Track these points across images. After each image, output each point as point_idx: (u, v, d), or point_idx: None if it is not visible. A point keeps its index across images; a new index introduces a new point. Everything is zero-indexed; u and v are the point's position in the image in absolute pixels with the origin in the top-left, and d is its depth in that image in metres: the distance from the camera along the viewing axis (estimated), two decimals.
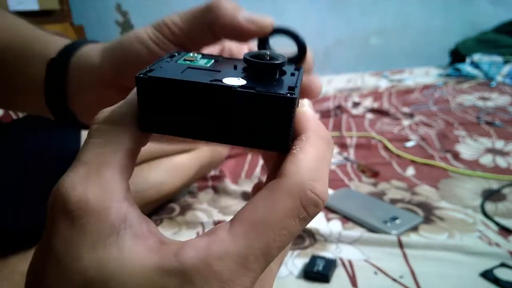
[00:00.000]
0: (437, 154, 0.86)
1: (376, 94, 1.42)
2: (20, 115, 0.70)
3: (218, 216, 0.66)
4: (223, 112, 0.18)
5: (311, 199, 0.17)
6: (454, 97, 1.30)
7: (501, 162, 0.81)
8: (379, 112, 1.21)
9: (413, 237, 0.57)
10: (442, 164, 0.81)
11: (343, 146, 0.96)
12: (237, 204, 0.70)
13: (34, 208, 0.50)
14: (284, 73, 0.22)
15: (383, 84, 1.59)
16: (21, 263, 0.49)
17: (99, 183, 0.17)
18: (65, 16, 2.08)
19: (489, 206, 0.64)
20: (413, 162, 0.83)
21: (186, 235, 0.61)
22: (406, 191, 0.71)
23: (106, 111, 0.19)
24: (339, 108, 1.27)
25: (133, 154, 0.19)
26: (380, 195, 0.70)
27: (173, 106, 0.18)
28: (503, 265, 0.49)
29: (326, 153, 0.19)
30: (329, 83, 1.71)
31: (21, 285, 0.50)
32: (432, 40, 2.17)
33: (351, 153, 0.92)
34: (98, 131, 0.18)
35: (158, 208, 0.68)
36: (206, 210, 0.68)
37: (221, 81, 0.18)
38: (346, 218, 0.63)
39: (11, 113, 0.68)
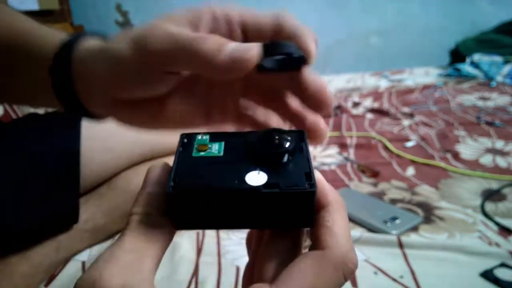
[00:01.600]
0: (437, 154, 0.86)
1: (376, 94, 1.42)
2: (20, 114, 0.70)
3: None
4: (250, 208, 0.20)
5: (351, 270, 0.20)
6: (454, 97, 1.31)
7: (501, 162, 0.81)
8: (379, 112, 1.21)
9: (413, 237, 0.57)
10: (442, 164, 0.81)
11: (343, 146, 0.96)
12: None
13: (34, 208, 0.50)
14: (293, 147, 0.23)
15: (383, 84, 1.59)
16: (21, 262, 0.49)
17: (139, 273, 0.19)
18: (65, 16, 2.08)
19: (489, 206, 0.64)
20: (413, 162, 0.84)
21: (186, 236, 0.60)
22: (406, 191, 0.71)
23: (142, 203, 0.21)
24: (339, 108, 1.27)
25: (166, 247, 0.21)
26: (380, 195, 0.70)
27: (204, 208, 0.21)
28: (503, 265, 0.49)
29: (348, 220, 0.22)
30: (329, 83, 1.71)
31: (21, 285, 0.51)
32: (432, 40, 2.17)
33: (351, 153, 0.92)
34: (138, 225, 0.20)
35: None
36: None
37: (244, 180, 0.20)
38: None
39: (11, 113, 0.68)
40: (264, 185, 0.20)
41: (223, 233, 0.60)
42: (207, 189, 0.20)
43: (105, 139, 0.58)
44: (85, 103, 0.28)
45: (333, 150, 0.95)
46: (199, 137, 0.24)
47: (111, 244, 0.20)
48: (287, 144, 0.22)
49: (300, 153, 0.23)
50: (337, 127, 1.11)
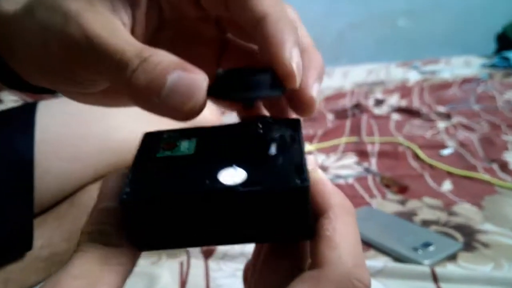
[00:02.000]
0: (480, 165, 0.87)
1: (404, 90, 1.43)
2: None
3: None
4: (228, 214, 0.20)
5: None
6: (502, 93, 1.31)
7: None
8: (408, 112, 1.22)
9: (450, 268, 0.57)
10: (487, 177, 0.81)
11: (363, 154, 0.96)
12: None
13: None
14: (282, 138, 0.23)
15: (413, 76, 1.60)
16: None
17: None
18: None
19: None
20: (450, 174, 0.84)
21: (167, 266, 0.60)
22: (442, 211, 0.71)
23: (96, 220, 0.21)
24: (358, 107, 1.27)
25: (127, 273, 0.21)
26: (409, 216, 0.70)
27: (170, 220, 0.20)
28: None
29: (356, 227, 0.22)
30: (344, 76, 1.72)
31: None
32: (473, 23, 2.18)
33: (373, 163, 0.92)
34: (90, 245, 0.20)
35: None
36: None
37: (217, 179, 0.20)
38: (366, 245, 0.63)
39: None
40: (243, 184, 0.20)
41: (212, 263, 0.60)
42: (170, 194, 0.20)
43: (64, 145, 0.59)
44: (23, 75, 0.27)
45: (351, 159, 0.95)
46: (166, 135, 0.24)
47: (59, 269, 0.20)
48: (274, 133, 0.22)
49: (293, 144, 0.22)
50: (355, 130, 1.11)
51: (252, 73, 0.22)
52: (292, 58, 0.22)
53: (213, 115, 0.71)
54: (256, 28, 0.23)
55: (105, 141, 0.61)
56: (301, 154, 0.21)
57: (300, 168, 0.20)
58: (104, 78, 0.22)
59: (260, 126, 0.22)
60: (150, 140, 0.24)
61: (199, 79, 0.20)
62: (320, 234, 0.21)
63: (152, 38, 0.26)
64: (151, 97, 0.20)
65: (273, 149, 0.22)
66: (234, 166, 0.21)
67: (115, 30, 0.22)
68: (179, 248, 0.21)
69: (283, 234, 0.21)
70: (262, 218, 0.20)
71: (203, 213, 0.20)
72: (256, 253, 0.25)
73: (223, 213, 0.20)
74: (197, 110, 0.20)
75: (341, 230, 0.21)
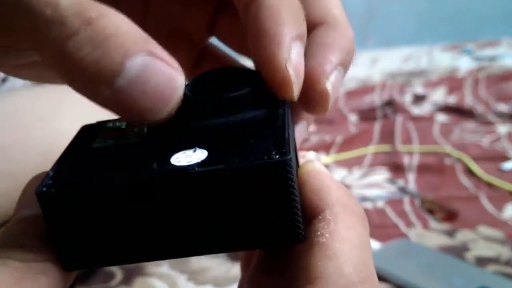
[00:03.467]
0: None
1: (452, 82, 1.43)
2: None
3: (186, 287, 0.66)
4: (182, 209, 0.19)
5: None
6: None
7: None
8: (458, 112, 1.22)
9: None
10: None
11: (397, 168, 0.97)
12: (219, 267, 0.69)
13: None
14: (262, 108, 0.22)
15: (465, 64, 1.60)
16: None
17: None
18: None
19: None
20: None
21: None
22: (504, 245, 0.71)
23: (13, 232, 0.21)
24: (391, 104, 1.27)
25: None
26: (459, 251, 0.70)
27: (107, 221, 0.20)
28: None
29: (365, 234, 0.21)
30: (373, 63, 1.73)
31: None
32: None
33: (411, 181, 0.92)
34: (4, 262, 0.20)
35: (88, 272, 0.68)
36: (166, 277, 0.68)
37: (168, 162, 0.19)
38: None
39: None
40: (200, 163, 0.19)
41: None
42: (105, 183, 0.19)
43: (1, 157, 0.59)
44: None
45: (381, 175, 0.96)
46: (110, 124, 0.24)
47: None
48: (249, 104, 0.22)
49: (275, 115, 0.22)
50: (386, 136, 1.12)
51: (230, 86, 0.22)
52: (290, 58, 0.22)
53: None
54: (247, 10, 0.23)
55: (49, 151, 0.61)
56: (283, 128, 0.21)
57: (281, 140, 0.20)
58: (26, 43, 0.20)
59: (233, 94, 0.22)
60: (88, 131, 0.24)
61: (175, 74, 0.19)
62: (312, 241, 0.20)
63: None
64: (97, 85, 0.18)
65: (246, 124, 0.21)
66: (195, 147, 0.20)
67: None
68: (121, 264, 0.21)
69: (261, 236, 0.20)
70: (228, 212, 0.19)
71: (151, 208, 0.19)
72: (243, 266, 0.25)
73: (175, 206, 0.19)
74: (163, 117, 0.19)
75: (342, 235, 0.20)
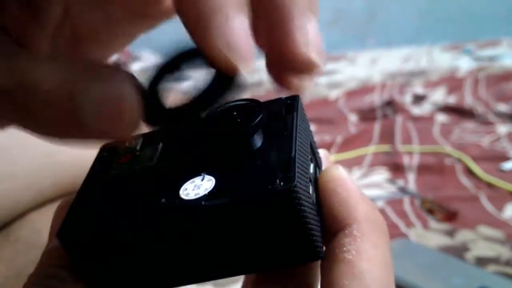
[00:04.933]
0: None
1: (452, 82, 1.43)
2: None
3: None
4: (195, 240, 0.20)
5: None
6: None
7: None
8: (458, 112, 1.22)
9: None
10: None
11: (397, 168, 0.97)
12: None
13: None
14: (269, 125, 0.22)
15: (465, 64, 1.60)
16: None
17: None
18: None
19: None
20: None
21: None
22: (503, 245, 0.71)
23: (45, 263, 0.22)
24: (391, 104, 1.27)
25: None
26: (459, 251, 0.71)
27: (126, 257, 0.20)
28: None
29: (389, 253, 0.21)
30: (373, 63, 1.73)
31: None
32: None
33: (411, 181, 0.92)
34: None
35: None
36: None
37: (177, 195, 0.20)
38: None
39: None
40: (207, 196, 0.19)
41: None
42: (115, 227, 0.20)
43: (3, 158, 0.59)
44: None
45: (381, 175, 0.96)
46: (126, 143, 0.24)
47: None
48: (258, 121, 0.21)
49: (284, 133, 0.22)
50: (387, 136, 1.12)
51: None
52: (308, 36, 0.21)
53: None
54: None
55: (52, 152, 0.61)
56: (290, 145, 0.21)
57: (287, 164, 0.20)
58: None
59: (238, 113, 0.22)
60: (107, 153, 0.24)
61: (122, 88, 0.19)
62: (338, 256, 0.20)
63: None
64: (71, 130, 0.19)
65: (256, 143, 0.21)
66: (203, 174, 0.20)
67: None
68: None
69: (276, 257, 0.20)
70: (241, 239, 0.20)
71: (164, 243, 0.20)
72: (250, 279, 0.25)
73: (188, 239, 0.20)
74: (132, 128, 0.20)
75: (369, 253, 0.20)
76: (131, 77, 0.20)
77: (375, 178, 0.95)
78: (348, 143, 1.10)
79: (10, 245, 0.59)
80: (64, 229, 0.20)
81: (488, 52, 1.71)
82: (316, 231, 0.20)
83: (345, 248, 0.20)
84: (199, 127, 0.23)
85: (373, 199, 0.86)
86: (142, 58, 2.10)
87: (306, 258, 0.20)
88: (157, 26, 0.28)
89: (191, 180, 0.20)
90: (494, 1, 2.25)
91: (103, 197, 0.22)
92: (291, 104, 0.23)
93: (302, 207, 0.19)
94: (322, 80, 1.58)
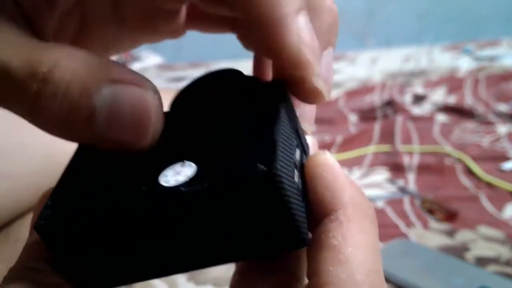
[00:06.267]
0: None
1: (452, 82, 1.43)
2: None
3: (187, 287, 0.66)
4: (176, 228, 0.19)
5: None
6: None
7: None
8: (458, 112, 1.22)
9: None
10: None
11: (397, 168, 0.97)
12: (219, 267, 0.69)
13: None
14: (254, 112, 0.22)
15: (465, 64, 1.60)
16: None
17: None
18: None
19: None
20: None
21: None
22: (503, 245, 0.71)
23: (25, 256, 0.21)
24: (391, 104, 1.27)
25: None
26: (459, 251, 0.70)
27: (109, 247, 0.20)
28: None
29: (376, 239, 0.20)
30: (373, 63, 1.73)
31: None
32: None
33: (411, 181, 0.92)
34: (14, 282, 0.20)
35: None
36: (166, 277, 0.68)
37: (156, 183, 0.19)
38: None
39: None
40: (187, 182, 0.19)
41: None
42: (94, 216, 0.19)
43: (2, 159, 0.59)
44: None
45: (381, 175, 0.96)
46: None
47: None
48: (243, 106, 0.22)
49: (269, 119, 0.21)
50: (387, 136, 1.12)
51: (222, 92, 0.22)
52: (301, 36, 0.21)
53: None
54: None
55: (52, 153, 0.61)
56: (272, 129, 0.20)
57: (268, 147, 0.19)
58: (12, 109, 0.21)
59: (225, 97, 0.22)
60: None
61: (145, 95, 0.19)
62: (323, 242, 0.20)
63: None
64: (79, 133, 0.19)
65: (239, 129, 0.21)
66: (184, 160, 0.20)
67: None
68: (130, 283, 0.21)
69: (259, 244, 0.20)
70: (223, 227, 0.19)
71: (146, 231, 0.20)
72: (238, 269, 0.25)
73: (169, 227, 0.19)
74: (150, 140, 0.20)
75: (355, 238, 0.20)
76: (156, 89, 0.20)
77: (375, 178, 0.95)
78: (348, 143, 1.10)
79: (10, 245, 0.59)
80: (40, 221, 0.20)
81: (488, 52, 1.71)
82: (301, 217, 0.20)
83: (330, 234, 0.20)
84: (187, 112, 0.23)
85: (373, 199, 0.86)
86: (142, 58, 2.10)
87: (291, 245, 0.20)
88: (164, 40, 0.28)
89: (171, 167, 0.20)
90: (494, 1, 2.25)
91: (82, 186, 0.21)
92: (277, 89, 0.23)
93: (285, 192, 0.19)
94: None
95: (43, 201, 0.22)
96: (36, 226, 0.20)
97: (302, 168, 0.22)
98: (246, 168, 0.19)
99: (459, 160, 0.98)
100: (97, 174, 0.22)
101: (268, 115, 0.21)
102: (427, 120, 1.19)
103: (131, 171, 0.21)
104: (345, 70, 1.70)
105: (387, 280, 0.65)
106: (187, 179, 0.19)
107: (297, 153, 0.22)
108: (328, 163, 0.21)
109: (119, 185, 0.20)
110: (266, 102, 0.22)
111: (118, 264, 0.21)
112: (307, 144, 0.24)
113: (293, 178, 0.20)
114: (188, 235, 0.20)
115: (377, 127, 1.17)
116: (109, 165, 0.22)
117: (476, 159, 0.97)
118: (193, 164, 0.20)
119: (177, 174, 0.19)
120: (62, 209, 0.20)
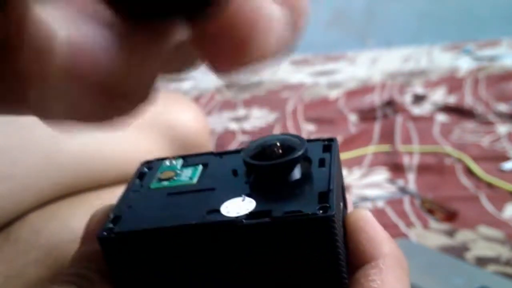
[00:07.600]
0: None
1: (452, 82, 1.43)
2: None
3: None
4: (231, 255, 0.21)
5: None
6: None
7: None
8: (458, 112, 1.22)
9: None
10: None
11: (397, 168, 0.97)
12: None
13: None
14: (308, 160, 0.24)
15: (465, 64, 1.60)
16: None
17: None
18: None
19: None
20: None
21: None
22: (503, 245, 0.71)
23: (76, 264, 0.22)
24: (391, 104, 1.28)
25: None
26: (459, 251, 0.71)
27: (162, 263, 0.21)
28: None
29: (408, 286, 0.22)
30: (373, 63, 1.73)
31: None
32: None
33: (411, 181, 0.92)
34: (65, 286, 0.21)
35: None
36: None
37: (218, 212, 0.21)
38: None
39: None
40: (248, 215, 0.21)
41: None
42: (159, 228, 0.21)
43: (3, 159, 0.59)
44: None
45: (381, 175, 0.96)
46: (167, 162, 0.26)
47: None
48: (295, 153, 0.23)
49: (322, 168, 0.24)
50: (386, 136, 1.12)
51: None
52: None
53: (198, 121, 0.71)
54: None
55: (52, 153, 0.61)
56: (328, 179, 0.23)
57: (325, 195, 0.21)
58: None
59: (280, 146, 0.23)
60: (148, 169, 0.26)
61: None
62: (363, 285, 0.21)
63: None
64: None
65: (294, 175, 0.23)
66: (243, 196, 0.22)
67: None
68: None
69: (304, 283, 0.21)
70: (275, 262, 0.21)
71: (201, 253, 0.21)
72: None
73: (224, 253, 0.21)
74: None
75: (392, 284, 0.22)
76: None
77: (375, 178, 0.95)
78: (348, 143, 1.10)
79: (10, 245, 0.59)
80: (105, 231, 0.21)
81: (488, 52, 1.71)
82: (344, 261, 0.22)
83: (370, 278, 0.21)
84: (243, 154, 0.24)
85: (373, 199, 0.86)
86: None
87: (334, 285, 0.22)
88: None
89: (232, 200, 0.22)
90: (494, 1, 2.25)
91: (144, 207, 0.23)
92: (329, 145, 0.25)
93: (337, 237, 0.21)
94: (322, 80, 1.58)
95: (95, 217, 0.23)
96: (99, 237, 0.21)
97: (343, 219, 0.24)
98: (305, 209, 0.20)
99: (459, 160, 0.98)
100: (158, 198, 0.23)
101: (322, 167, 0.24)
102: (427, 120, 1.19)
103: (192, 198, 0.23)
104: (345, 70, 1.70)
105: None
106: (248, 213, 0.21)
107: (341, 205, 0.24)
108: (370, 218, 0.23)
109: (181, 208, 0.22)
110: (319, 155, 0.25)
111: (169, 283, 0.22)
112: (346, 199, 0.27)
113: (341, 225, 0.22)
114: (241, 264, 0.21)
115: (377, 127, 1.18)
116: (170, 190, 0.24)
117: (476, 159, 0.97)
118: (253, 200, 0.21)
119: (238, 207, 0.21)
120: (125, 224, 0.22)
